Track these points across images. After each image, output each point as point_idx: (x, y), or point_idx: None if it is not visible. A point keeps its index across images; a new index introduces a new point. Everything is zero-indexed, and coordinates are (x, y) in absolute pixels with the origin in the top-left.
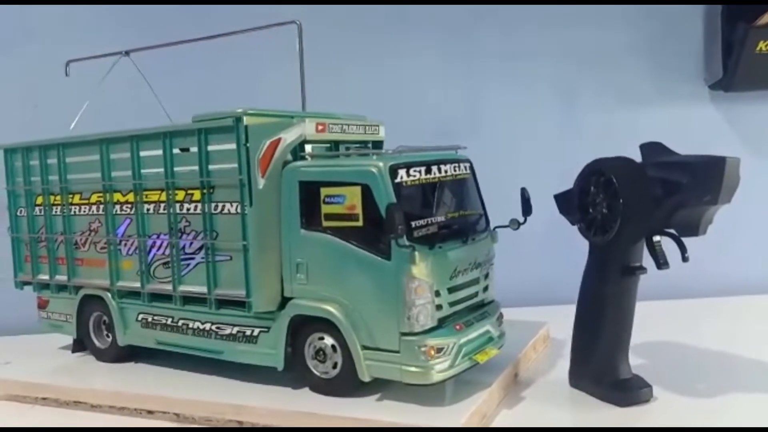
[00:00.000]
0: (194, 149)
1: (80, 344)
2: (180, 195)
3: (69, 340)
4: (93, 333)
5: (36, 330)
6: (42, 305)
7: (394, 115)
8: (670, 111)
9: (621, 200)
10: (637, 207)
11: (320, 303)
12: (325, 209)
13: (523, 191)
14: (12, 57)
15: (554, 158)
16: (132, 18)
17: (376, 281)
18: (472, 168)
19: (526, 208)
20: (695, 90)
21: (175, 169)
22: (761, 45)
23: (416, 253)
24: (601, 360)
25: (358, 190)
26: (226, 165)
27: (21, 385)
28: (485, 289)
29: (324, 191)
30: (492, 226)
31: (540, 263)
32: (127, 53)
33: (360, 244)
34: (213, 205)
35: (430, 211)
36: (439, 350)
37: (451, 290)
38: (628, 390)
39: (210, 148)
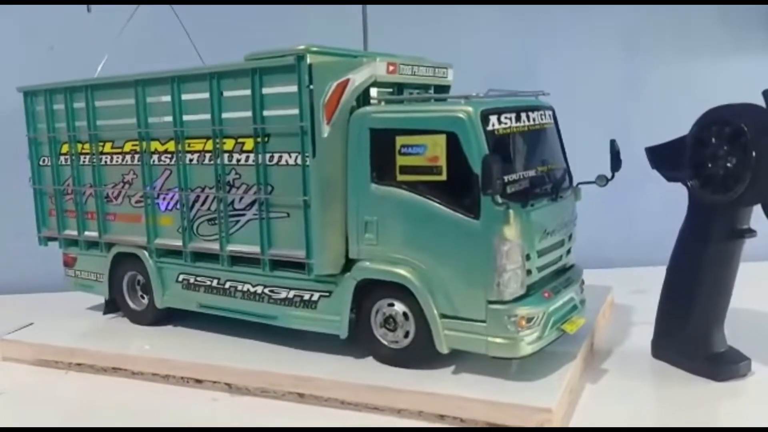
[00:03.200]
0: (245, 92)
1: (112, 305)
2: (229, 144)
3: (97, 300)
4: (127, 294)
5: (59, 288)
6: (69, 263)
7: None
8: (739, 62)
9: (754, 154)
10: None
11: (392, 266)
12: (401, 161)
13: (613, 143)
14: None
15: (615, 112)
16: None
17: (461, 243)
18: (555, 116)
19: (616, 162)
20: (761, 39)
21: (224, 114)
22: None
23: (510, 211)
24: (694, 330)
25: (442, 138)
26: (285, 110)
27: (53, 349)
28: (569, 251)
29: (400, 140)
30: (575, 182)
31: (595, 224)
32: None
33: (442, 201)
34: (268, 155)
35: (521, 164)
36: (529, 320)
37: (540, 253)
38: (724, 363)
39: (265, 90)
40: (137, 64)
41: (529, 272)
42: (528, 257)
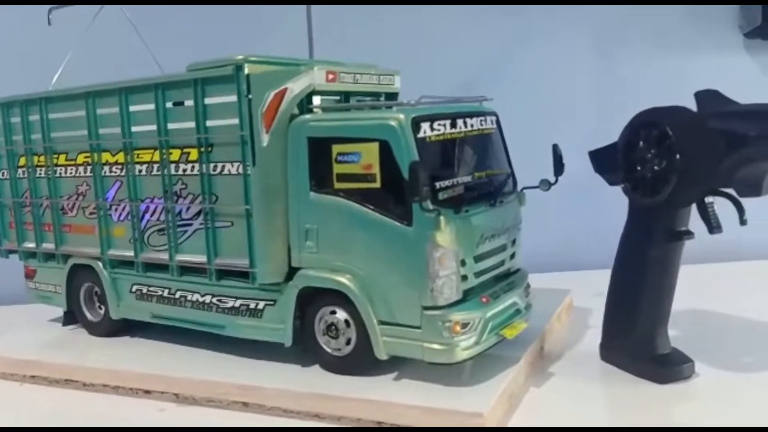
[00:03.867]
0: (190, 103)
1: (71, 316)
2: (175, 154)
3: (60, 311)
4: (84, 305)
5: (24, 300)
6: (29, 275)
7: (410, 65)
8: (703, 60)
9: (678, 156)
10: (696, 163)
11: (332, 274)
12: (338, 169)
13: (555, 148)
14: None
15: (586, 111)
16: None
17: (396, 250)
18: (498, 122)
19: (558, 166)
20: (729, 38)
21: (170, 125)
22: None
23: (441, 217)
24: (639, 333)
25: (375, 146)
26: (226, 120)
27: (7, 362)
28: (512, 256)
29: (336, 148)
30: (519, 187)
31: (560, 226)
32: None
33: (377, 208)
34: (212, 165)
35: (455, 170)
36: (464, 326)
37: (477, 259)
38: (667, 365)
39: (207, 101)
40: (101, 74)
41: (465, 278)
42: (463, 263)
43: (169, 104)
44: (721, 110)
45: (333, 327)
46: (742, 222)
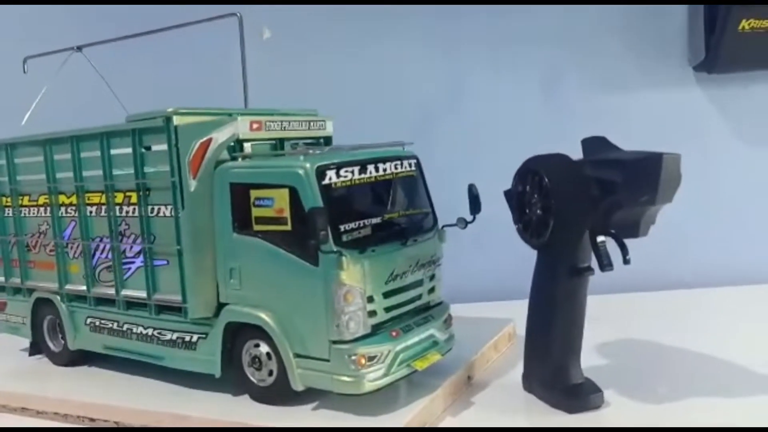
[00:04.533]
0: (128, 150)
1: (37, 347)
2: (119, 197)
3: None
4: (48, 336)
5: None
6: (0, 308)
7: (369, 103)
8: (655, 94)
9: (553, 201)
10: (570, 208)
11: (253, 309)
12: (256, 212)
13: (471, 188)
14: None
15: (537, 144)
16: (88, 14)
17: (306, 288)
18: (419, 165)
19: (475, 205)
20: (679, 72)
21: (114, 171)
22: (744, 24)
23: (344, 258)
24: (551, 364)
25: (285, 192)
26: (160, 167)
27: None
28: (431, 290)
29: (254, 193)
30: (440, 225)
31: (513, 254)
32: (79, 48)
33: (289, 249)
34: (150, 207)
35: (363, 212)
36: (371, 359)
37: (387, 295)
38: (578, 396)
39: (143, 149)
40: (71, 116)
41: (373, 313)
42: (371, 299)
43: (115, 151)
44: (598, 157)
45: (257, 359)
46: (625, 261)
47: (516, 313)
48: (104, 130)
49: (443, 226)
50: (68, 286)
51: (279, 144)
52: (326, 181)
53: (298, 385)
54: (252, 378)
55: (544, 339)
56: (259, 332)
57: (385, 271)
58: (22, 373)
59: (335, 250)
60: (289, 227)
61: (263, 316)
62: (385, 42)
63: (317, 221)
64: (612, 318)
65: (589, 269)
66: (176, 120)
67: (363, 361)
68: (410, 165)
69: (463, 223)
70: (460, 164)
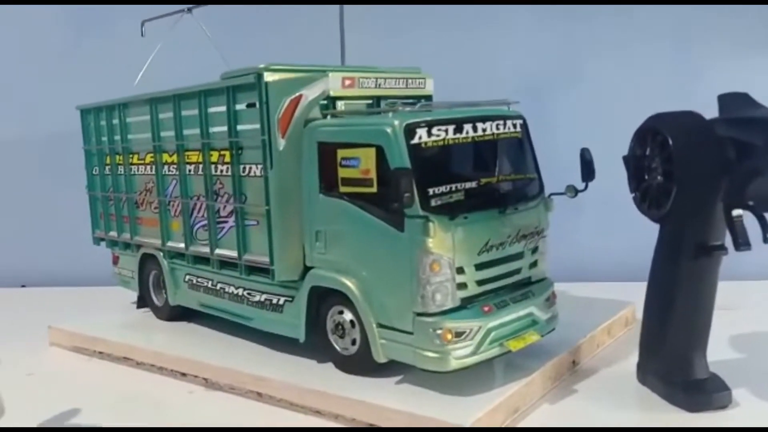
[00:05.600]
0: (222, 108)
1: (143, 301)
2: (214, 156)
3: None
4: (152, 290)
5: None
6: (114, 261)
7: (477, 69)
8: None
9: (676, 165)
10: (696, 174)
11: (337, 275)
12: (342, 173)
13: (584, 152)
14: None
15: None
16: None
17: (391, 254)
18: (524, 126)
19: (587, 172)
20: None
21: (210, 129)
22: None
23: (430, 224)
24: (671, 354)
25: (372, 152)
26: (252, 125)
27: (82, 338)
28: (533, 264)
29: (341, 153)
30: (547, 192)
31: (639, 229)
32: (189, 10)
33: (375, 213)
34: (242, 167)
35: (457, 175)
36: (458, 334)
37: (480, 267)
38: (701, 392)
39: (238, 107)
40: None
41: (464, 285)
42: (462, 270)
43: (212, 109)
44: (737, 115)
45: (340, 326)
46: (765, 240)
47: (638, 295)
48: (202, 88)
49: (550, 195)
50: (170, 243)
51: (376, 103)
52: (415, 141)
53: (380, 357)
54: (335, 345)
55: (664, 325)
56: (344, 299)
57: (478, 241)
58: (128, 325)
59: (422, 214)
60: (374, 189)
61: (347, 282)
62: (494, 7)
63: (401, 182)
64: (748, 307)
65: (722, 248)
66: (267, 76)
67: (449, 336)
68: (514, 126)
69: (573, 191)
70: (576, 127)
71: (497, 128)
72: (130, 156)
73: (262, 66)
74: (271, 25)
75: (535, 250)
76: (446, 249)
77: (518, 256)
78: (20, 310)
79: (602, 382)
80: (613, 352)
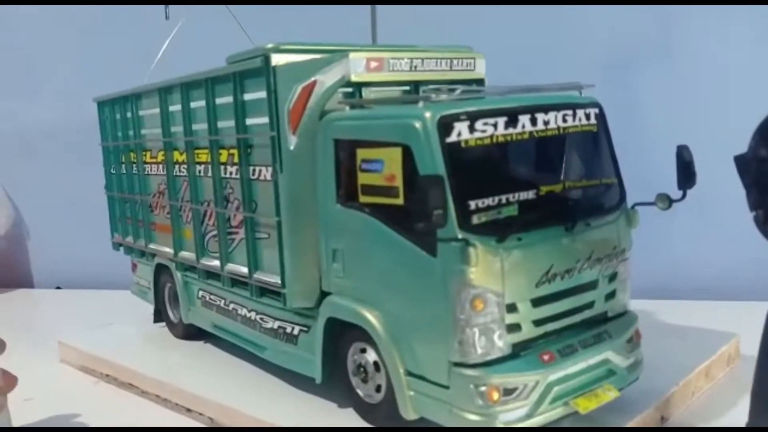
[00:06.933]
0: (230, 99)
1: (160, 314)
2: (223, 155)
3: None
4: (168, 304)
5: None
6: (133, 268)
7: (543, 44)
8: None
9: None
10: None
11: (358, 305)
12: (362, 178)
13: (681, 151)
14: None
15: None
16: None
17: (421, 284)
18: (600, 116)
19: (686, 176)
20: None
21: (219, 123)
22: None
23: (471, 249)
24: None
25: (397, 152)
26: (261, 119)
27: (90, 358)
28: (610, 296)
29: (360, 153)
30: (630, 202)
31: (742, 240)
32: None
33: (401, 230)
34: (251, 169)
35: (508, 183)
36: (508, 392)
37: (538, 302)
38: None
39: (246, 96)
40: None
41: (516, 327)
42: (513, 308)
43: (219, 100)
44: None
45: (362, 368)
46: None
47: (742, 321)
48: (207, 75)
49: (634, 205)
50: (182, 254)
51: (414, 90)
52: (453, 138)
53: (408, 413)
54: (358, 390)
55: None
56: (367, 335)
57: (537, 269)
58: (141, 342)
59: (460, 236)
60: (400, 200)
61: (369, 316)
62: None
63: (430, 194)
64: None
65: None
66: (275, 59)
67: (496, 395)
68: (587, 116)
69: (666, 201)
70: (668, 120)
71: (564, 120)
72: (144, 153)
73: (269, 46)
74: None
75: (613, 277)
76: (493, 281)
77: (591, 285)
78: (49, 313)
79: None
80: (713, 402)
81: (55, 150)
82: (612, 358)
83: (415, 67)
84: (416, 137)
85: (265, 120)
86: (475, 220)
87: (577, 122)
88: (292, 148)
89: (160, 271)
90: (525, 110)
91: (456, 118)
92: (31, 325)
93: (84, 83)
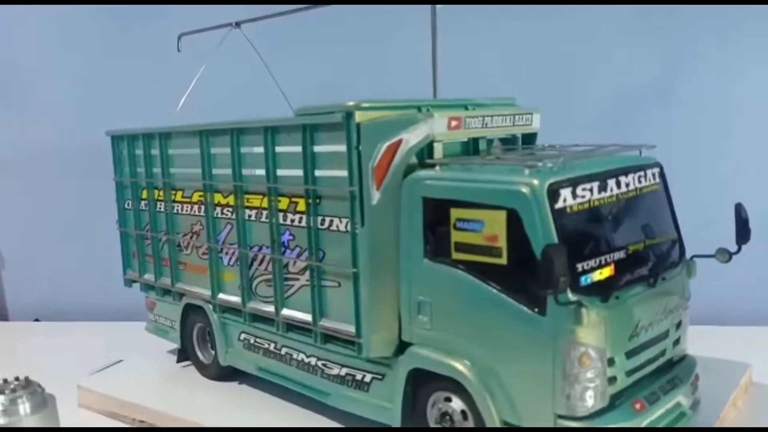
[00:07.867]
0: (297, 149)
1: (185, 354)
2: (284, 203)
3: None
4: (197, 345)
5: None
6: (150, 306)
7: (561, 90)
8: None
9: None
10: None
11: (447, 357)
12: (456, 236)
13: (739, 209)
14: (132, 36)
15: None
16: None
17: (525, 340)
18: (662, 175)
19: (743, 231)
20: None
21: (278, 171)
22: None
23: (584, 310)
24: None
25: (502, 215)
26: (335, 171)
27: (117, 403)
28: (676, 342)
29: (455, 213)
30: (688, 255)
31: (751, 271)
32: (237, 24)
33: (503, 289)
34: (320, 218)
35: (604, 245)
36: None
37: (630, 354)
38: None
39: (317, 149)
40: (226, 103)
41: (613, 379)
42: (612, 361)
43: (281, 148)
44: None
45: (448, 417)
46: None
47: (747, 348)
48: (269, 123)
49: (692, 257)
50: (221, 296)
51: (472, 144)
52: (560, 204)
53: None
54: None
55: None
56: (452, 383)
57: (630, 324)
58: (166, 382)
59: (573, 299)
60: (504, 260)
61: (461, 367)
62: (579, 15)
63: (556, 263)
64: None
65: None
66: (358, 116)
67: None
68: (654, 176)
69: (725, 255)
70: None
71: (639, 181)
72: (173, 192)
73: (351, 103)
74: (320, 42)
75: (678, 325)
76: (597, 338)
77: (665, 335)
78: (32, 349)
79: None
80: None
81: (34, 173)
82: (682, 401)
83: (486, 123)
84: (526, 203)
85: (340, 173)
86: (583, 281)
87: (647, 182)
88: (374, 203)
89: (189, 311)
90: (612, 174)
91: (561, 185)
92: (18, 363)
93: (62, 106)
